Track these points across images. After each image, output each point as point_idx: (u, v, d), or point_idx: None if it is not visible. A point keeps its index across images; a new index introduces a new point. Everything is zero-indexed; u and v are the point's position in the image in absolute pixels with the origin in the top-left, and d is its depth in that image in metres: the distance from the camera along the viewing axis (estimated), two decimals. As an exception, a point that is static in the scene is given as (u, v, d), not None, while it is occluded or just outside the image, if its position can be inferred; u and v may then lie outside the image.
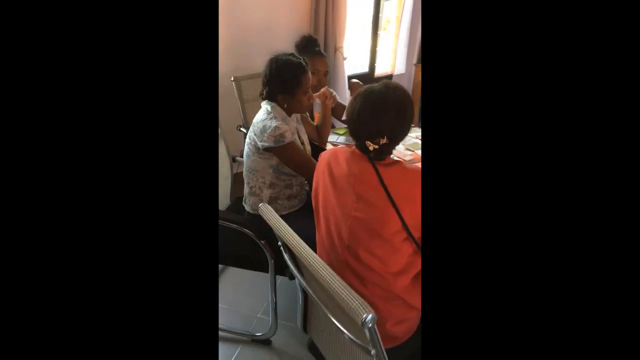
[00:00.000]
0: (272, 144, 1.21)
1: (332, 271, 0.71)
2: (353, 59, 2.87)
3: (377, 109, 0.90)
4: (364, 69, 3.03)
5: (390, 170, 0.92)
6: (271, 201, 1.35)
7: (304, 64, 1.29)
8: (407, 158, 1.59)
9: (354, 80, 1.79)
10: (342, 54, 2.70)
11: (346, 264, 0.97)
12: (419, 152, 1.63)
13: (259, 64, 1.57)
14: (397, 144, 0.97)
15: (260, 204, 0.93)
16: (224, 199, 1.67)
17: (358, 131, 0.95)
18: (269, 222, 0.89)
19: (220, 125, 1.61)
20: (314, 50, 1.68)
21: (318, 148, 1.67)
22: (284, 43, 2.55)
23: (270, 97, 1.29)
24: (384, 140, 0.90)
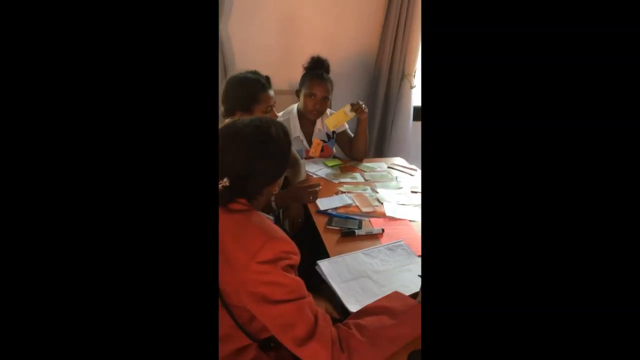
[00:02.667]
0: None
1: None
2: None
3: (223, 144, 0.76)
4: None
5: (230, 218, 0.75)
6: None
7: (264, 82, 1.28)
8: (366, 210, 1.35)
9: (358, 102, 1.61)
10: (411, 82, 2.53)
11: None
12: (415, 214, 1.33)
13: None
14: (247, 191, 0.79)
15: None
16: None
17: None
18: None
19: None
20: (316, 72, 1.62)
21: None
22: (346, 57, 2.55)
23: (228, 115, 1.30)
24: (223, 182, 0.76)
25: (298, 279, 0.72)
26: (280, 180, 0.84)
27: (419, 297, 0.80)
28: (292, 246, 0.74)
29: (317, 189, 1.26)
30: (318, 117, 1.68)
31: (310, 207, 1.27)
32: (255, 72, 1.30)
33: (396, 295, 0.80)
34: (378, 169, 1.62)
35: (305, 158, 1.72)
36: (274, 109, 1.31)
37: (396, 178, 1.53)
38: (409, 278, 0.93)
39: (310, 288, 0.75)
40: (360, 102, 1.59)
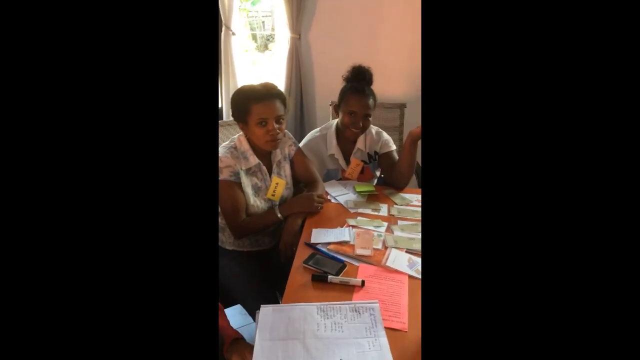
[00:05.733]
0: None
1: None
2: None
3: None
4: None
5: None
6: (220, 230, 1.31)
7: (262, 93, 1.18)
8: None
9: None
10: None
11: None
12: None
13: (396, 93, 1.48)
14: None
15: None
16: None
17: None
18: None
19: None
20: (356, 86, 1.43)
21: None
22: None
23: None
24: None
25: None
26: None
27: None
28: None
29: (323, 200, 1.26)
30: (357, 137, 1.51)
31: (302, 235, 1.14)
32: (265, 84, 1.22)
33: None
34: (414, 203, 1.37)
35: (341, 179, 1.57)
36: (274, 123, 1.19)
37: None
38: (352, 355, 0.73)
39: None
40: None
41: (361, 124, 1.44)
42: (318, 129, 1.59)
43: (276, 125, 1.20)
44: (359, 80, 1.45)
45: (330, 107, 2.11)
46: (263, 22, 2.97)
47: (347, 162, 1.56)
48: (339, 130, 1.54)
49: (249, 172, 1.25)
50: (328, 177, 1.56)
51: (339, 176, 1.58)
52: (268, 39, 3.23)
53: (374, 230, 1.16)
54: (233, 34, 2.48)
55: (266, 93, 1.19)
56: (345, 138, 1.53)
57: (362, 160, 1.55)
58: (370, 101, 1.43)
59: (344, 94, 1.46)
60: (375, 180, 1.67)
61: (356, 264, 1.02)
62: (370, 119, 1.47)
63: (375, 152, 1.57)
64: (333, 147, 1.52)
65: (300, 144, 1.47)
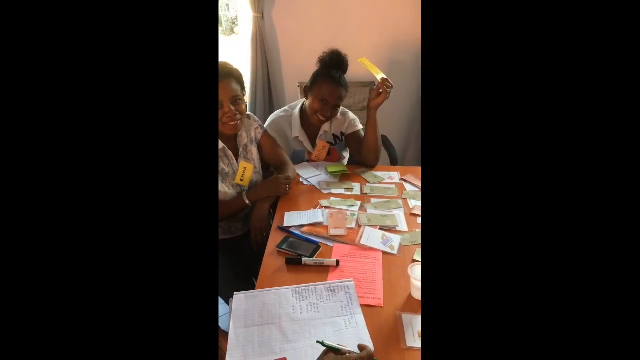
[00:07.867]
0: None
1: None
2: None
3: None
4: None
5: None
6: None
7: (225, 72, 1.12)
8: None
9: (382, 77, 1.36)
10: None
11: None
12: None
13: (363, 72, 1.46)
14: None
15: None
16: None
17: None
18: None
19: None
20: (332, 74, 1.38)
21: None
22: (403, 44, 2.27)
23: None
24: None
25: None
26: None
27: None
28: None
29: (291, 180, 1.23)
30: (322, 124, 1.48)
31: (275, 219, 1.12)
32: (221, 63, 1.15)
33: None
34: (386, 180, 1.37)
35: (309, 161, 1.54)
36: (229, 104, 1.13)
37: (403, 194, 1.27)
38: (328, 334, 0.73)
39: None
40: (390, 84, 1.33)
41: (329, 114, 1.42)
42: (282, 108, 1.54)
43: (233, 107, 1.14)
44: (335, 67, 1.40)
45: (299, 87, 2.07)
46: (227, 4, 2.85)
47: (313, 144, 1.54)
48: (303, 113, 1.51)
49: None
50: (295, 158, 1.52)
51: (305, 158, 1.55)
52: (234, 22, 3.10)
53: (347, 210, 1.15)
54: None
55: (226, 74, 1.13)
56: (311, 123, 1.50)
57: (328, 142, 1.53)
58: (343, 93, 1.40)
59: (317, 77, 1.41)
60: (346, 161, 1.66)
61: (330, 244, 1.01)
62: (338, 110, 1.45)
63: (342, 133, 1.55)
64: (297, 130, 1.49)
65: (264, 125, 1.43)
